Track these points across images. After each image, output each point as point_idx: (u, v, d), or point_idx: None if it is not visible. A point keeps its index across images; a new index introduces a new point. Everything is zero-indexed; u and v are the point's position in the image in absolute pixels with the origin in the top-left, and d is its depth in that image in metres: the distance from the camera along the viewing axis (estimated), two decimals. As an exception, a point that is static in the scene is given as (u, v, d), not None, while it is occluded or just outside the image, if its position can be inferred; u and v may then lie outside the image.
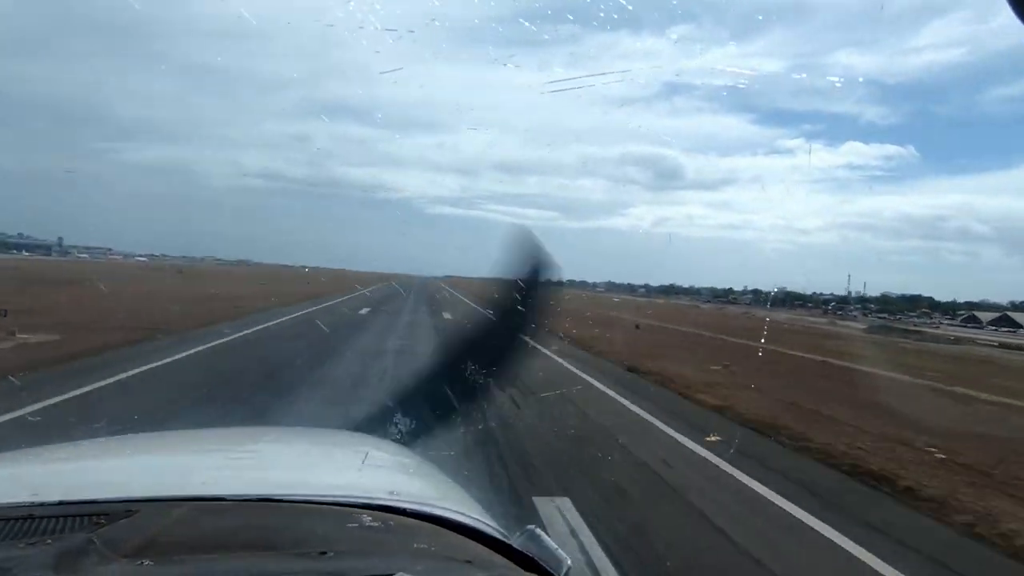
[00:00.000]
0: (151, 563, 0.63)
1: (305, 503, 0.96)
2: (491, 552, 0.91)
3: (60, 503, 0.86)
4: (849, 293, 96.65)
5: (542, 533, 1.07)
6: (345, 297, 30.69)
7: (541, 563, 0.95)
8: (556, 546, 1.05)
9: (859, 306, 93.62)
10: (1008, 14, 0.82)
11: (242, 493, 0.96)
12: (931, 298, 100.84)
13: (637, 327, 24.45)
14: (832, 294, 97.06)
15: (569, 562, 1.03)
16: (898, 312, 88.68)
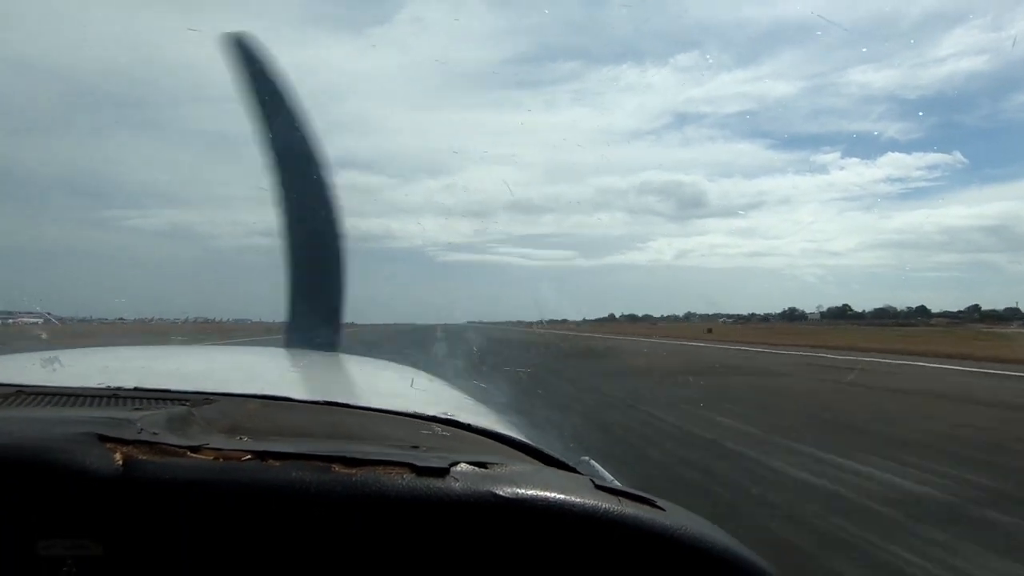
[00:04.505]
0: (250, 439, 0.63)
1: (371, 410, 0.94)
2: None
3: (136, 389, 0.89)
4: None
5: (596, 464, 1.00)
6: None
7: None
8: (611, 477, 0.96)
9: None
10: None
11: (308, 397, 0.96)
12: None
13: None
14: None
15: None
16: None
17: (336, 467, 0.55)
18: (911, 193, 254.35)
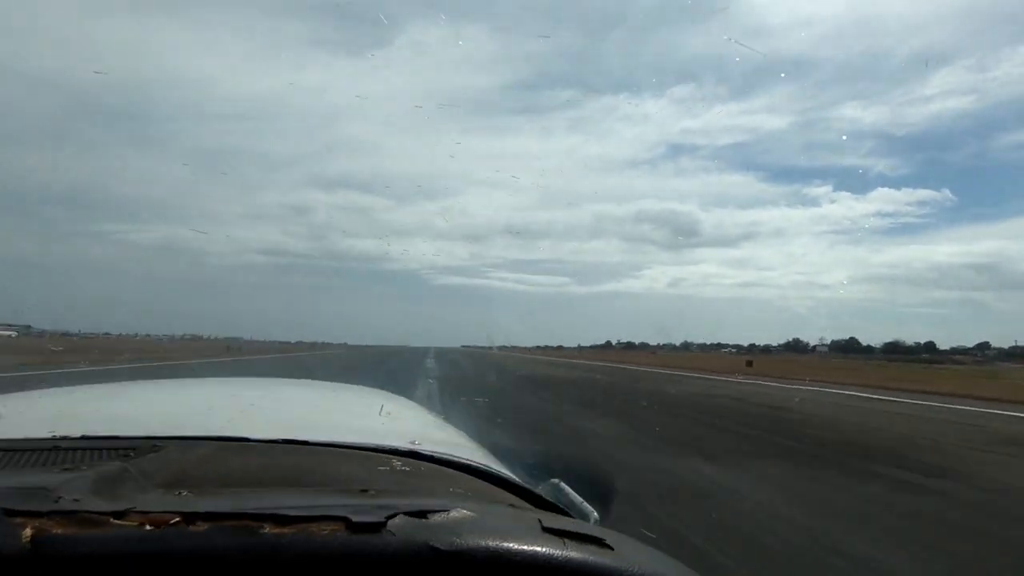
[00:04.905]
0: (189, 494, 0.60)
1: (331, 446, 0.91)
2: (523, 500, 0.83)
3: (83, 437, 0.85)
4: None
5: (566, 486, 1.06)
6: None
7: (570, 513, 0.90)
8: (581, 499, 1.03)
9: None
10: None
11: (265, 436, 0.92)
12: None
13: None
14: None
15: (596, 515, 1.01)
16: None
17: (267, 527, 0.51)
18: (900, 228, 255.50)
